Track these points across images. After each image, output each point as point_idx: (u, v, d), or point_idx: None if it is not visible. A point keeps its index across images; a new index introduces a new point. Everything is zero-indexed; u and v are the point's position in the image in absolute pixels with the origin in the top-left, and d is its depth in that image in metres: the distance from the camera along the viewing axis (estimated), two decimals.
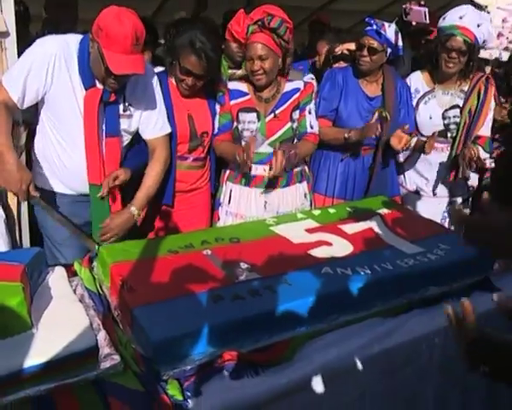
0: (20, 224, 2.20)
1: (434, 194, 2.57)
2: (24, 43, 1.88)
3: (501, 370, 0.65)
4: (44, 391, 1.08)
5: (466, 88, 2.44)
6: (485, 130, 2.47)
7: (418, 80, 2.51)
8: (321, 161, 2.52)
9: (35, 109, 1.88)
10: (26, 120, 2.08)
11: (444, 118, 2.46)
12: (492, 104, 2.48)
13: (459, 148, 2.44)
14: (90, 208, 1.92)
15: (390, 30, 2.31)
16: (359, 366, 1.34)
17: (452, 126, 2.46)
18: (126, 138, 1.97)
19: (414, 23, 2.73)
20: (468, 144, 2.40)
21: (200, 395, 1.13)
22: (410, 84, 2.53)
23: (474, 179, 2.60)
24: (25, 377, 1.08)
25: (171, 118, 2.08)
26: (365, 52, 2.32)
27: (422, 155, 2.49)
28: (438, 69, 2.42)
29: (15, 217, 2.17)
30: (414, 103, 2.51)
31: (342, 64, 2.71)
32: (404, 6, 2.72)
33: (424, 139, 2.45)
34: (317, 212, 2.03)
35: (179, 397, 1.11)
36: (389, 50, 2.35)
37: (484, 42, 2.38)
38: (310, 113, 2.24)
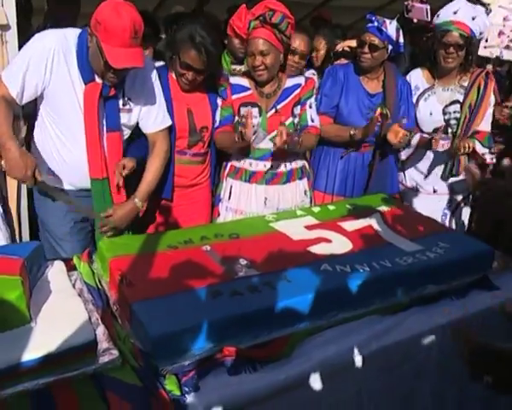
0: (20, 218, 2.21)
1: (434, 191, 2.57)
2: (25, 37, 1.87)
3: (504, 379, 0.65)
4: (43, 385, 1.08)
5: (466, 83, 2.44)
6: (484, 125, 2.47)
7: (418, 77, 2.51)
8: (320, 158, 2.51)
9: (34, 104, 1.87)
10: (26, 113, 2.08)
11: (444, 114, 2.46)
12: (492, 99, 2.48)
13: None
14: (92, 203, 1.91)
15: (391, 27, 2.31)
16: (357, 363, 1.35)
17: (453, 122, 2.46)
18: (126, 133, 1.97)
19: (415, 20, 2.72)
20: (464, 138, 2.40)
21: (198, 390, 1.14)
22: (410, 82, 2.52)
23: None
24: (23, 370, 1.08)
25: (170, 112, 2.08)
26: (366, 49, 2.31)
27: (420, 151, 2.49)
28: (437, 66, 2.43)
29: (15, 211, 2.18)
30: (414, 100, 2.50)
31: (343, 61, 2.70)
32: (406, 3, 2.72)
33: (427, 136, 2.45)
34: (316, 209, 2.03)
35: (177, 392, 1.12)
36: (390, 47, 2.34)
37: (480, 34, 2.39)
38: (310, 107, 2.24)
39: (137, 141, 2.07)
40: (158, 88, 1.99)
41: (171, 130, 2.09)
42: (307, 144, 2.24)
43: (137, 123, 1.99)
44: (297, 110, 2.22)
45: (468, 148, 2.33)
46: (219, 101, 2.21)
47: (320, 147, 2.44)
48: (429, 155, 2.51)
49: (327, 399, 1.32)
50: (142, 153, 2.03)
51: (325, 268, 1.49)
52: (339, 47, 2.81)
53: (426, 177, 2.56)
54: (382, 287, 1.48)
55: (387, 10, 4.10)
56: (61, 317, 1.23)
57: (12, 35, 1.97)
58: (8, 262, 1.29)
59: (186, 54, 2.01)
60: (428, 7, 2.56)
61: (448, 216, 2.58)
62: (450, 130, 2.47)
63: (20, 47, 1.88)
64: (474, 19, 2.31)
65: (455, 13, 2.31)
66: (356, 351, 1.34)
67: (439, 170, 2.54)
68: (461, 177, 2.52)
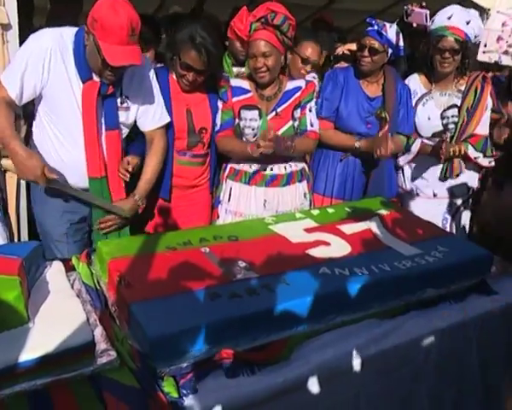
0: (19, 218, 2.20)
1: (434, 195, 2.58)
2: (26, 36, 1.87)
3: None
4: (41, 385, 1.08)
5: (463, 87, 2.46)
6: (480, 128, 2.47)
7: (416, 83, 2.52)
8: (320, 161, 2.52)
9: (33, 103, 1.87)
10: (26, 113, 2.08)
11: (442, 118, 2.47)
12: (489, 103, 2.49)
13: None
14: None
15: (391, 30, 2.31)
16: (355, 366, 1.35)
17: (451, 126, 2.47)
18: (124, 132, 1.97)
19: (415, 25, 2.73)
20: (457, 142, 2.41)
21: (196, 393, 1.14)
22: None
23: (474, 180, 2.60)
24: (21, 371, 1.08)
25: (169, 112, 2.09)
26: (366, 53, 2.32)
27: (420, 156, 2.49)
28: (433, 71, 2.44)
29: (14, 211, 2.17)
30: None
31: (343, 64, 2.71)
32: (405, 7, 2.72)
33: (428, 142, 2.46)
34: (315, 212, 2.03)
35: (175, 395, 1.12)
36: (390, 51, 2.35)
37: (475, 37, 2.41)
38: (310, 111, 2.24)
39: (138, 139, 2.08)
40: (155, 86, 1.99)
41: (168, 127, 2.09)
42: (302, 149, 2.24)
43: (135, 121, 1.99)
44: (297, 113, 2.22)
45: (459, 152, 2.34)
46: (220, 104, 2.22)
47: (319, 150, 2.45)
48: (429, 159, 2.51)
49: (325, 402, 1.32)
50: (142, 151, 2.04)
51: (324, 271, 1.49)
52: (339, 50, 2.82)
53: (426, 181, 2.57)
54: (381, 291, 1.48)
55: (388, 14, 4.10)
56: (59, 317, 1.23)
57: (13, 34, 1.97)
58: (7, 262, 1.29)
59: (186, 54, 2.01)
60: (428, 12, 2.57)
61: (449, 221, 2.58)
62: (448, 134, 2.48)
63: (21, 46, 1.88)
64: (468, 23, 2.33)
65: (449, 18, 2.33)
66: (354, 354, 1.34)
67: (438, 174, 2.54)
68: (460, 180, 2.53)
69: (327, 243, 1.70)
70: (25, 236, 2.23)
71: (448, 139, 2.42)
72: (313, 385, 1.28)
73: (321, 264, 1.53)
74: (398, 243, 1.73)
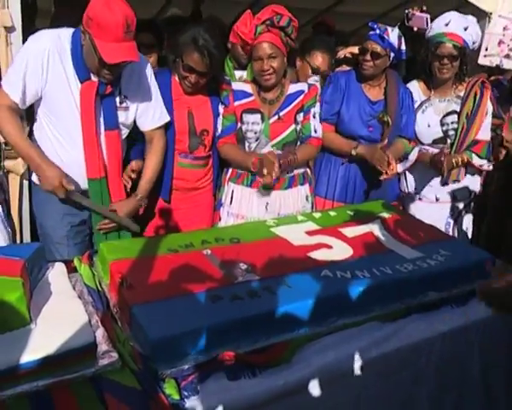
0: (22, 220, 2.21)
1: (437, 199, 2.58)
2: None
3: None
4: (42, 387, 1.08)
5: (462, 93, 2.46)
6: (482, 134, 2.47)
7: (415, 89, 2.52)
8: (322, 165, 2.52)
9: (32, 106, 1.87)
10: (28, 114, 2.09)
11: (442, 125, 2.47)
12: (489, 108, 2.49)
13: (456, 152, 2.45)
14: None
15: (393, 34, 2.32)
16: (357, 369, 1.35)
17: (451, 132, 2.47)
18: (124, 132, 1.97)
19: (415, 29, 2.74)
20: (461, 150, 2.41)
21: (197, 395, 1.14)
22: None
23: (476, 184, 2.60)
24: (23, 372, 1.08)
25: (170, 114, 2.10)
26: (368, 56, 2.32)
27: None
28: (432, 77, 2.45)
29: (17, 213, 2.18)
30: None
31: (345, 67, 2.71)
32: (406, 11, 2.73)
33: (426, 150, 2.46)
34: (317, 214, 2.03)
35: (176, 397, 1.12)
36: (392, 55, 2.35)
37: (473, 43, 2.41)
38: (314, 117, 2.24)
39: (139, 142, 2.09)
40: (154, 85, 2.00)
41: (168, 128, 2.10)
42: (304, 158, 2.26)
43: (135, 121, 1.99)
44: (300, 117, 2.22)
45: (462, 162, 2.35)
46: (221, 108, 2.22)
47: (321, 153, 2.45)
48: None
49: (325, 404, 1.31)
50: (144, 154, 2.05)
51: (325, 274, 1.49)
52: (341, 54, 2.82)
53: (428, 185, 2.57)
54: (382, 294, 1.48)
55: (389, 17, 4.11)
56: (60, 319, 1.23)
57: (17, 37, 1.98)
58: (9, 263, 1.29)
59: (189, 56, 2.02)
60: (428, 16, 2.58)
61: (451, 225, 2.58)
62: (449, 141, 2.48)
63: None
64: (466, 29, 2.34)
65: (447, 24, 2.34)
66: (355, 357, 1.34)
67: (440, 178, 2.54)
68: (462, 184, 2.53)
69: (329, 246, 1.70)
70: (27, 237, 2.24)
71: (448, 149, 2.42)
72: (314, 388, 1.28)
73: (323, 267, 1.53)
74: (400, 247, 1.73)
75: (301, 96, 2.22)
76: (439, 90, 2.48)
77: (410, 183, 2.64)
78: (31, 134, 1.97)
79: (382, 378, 1.42)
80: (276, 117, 2.19)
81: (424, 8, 2.65)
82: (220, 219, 2.30)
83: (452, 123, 2.46)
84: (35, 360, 1.09)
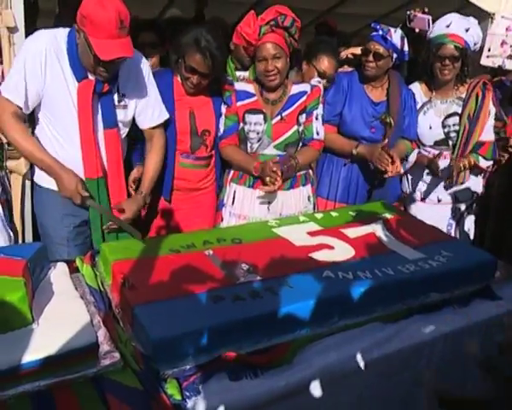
0: (24, 219, 2.21)
1: (439, 200, 2.58)
2: None
3: None
4: (44, 387, 1.08)
5: (463, 95, 2.46)
6: (486, 135, 2.47)
7: (416, 91, 2.52)
8: (324, 166, 2.52)
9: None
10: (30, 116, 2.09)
11: (443, 126, 2.47)
12: (492, 109, 2.49)
13: (460, 154, 2.45)
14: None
15: (396, 35, 2.32)
16: (358, 370, 1.35)
17: (453, 134, 2.47)
18: (123, 131, 1.97)
19: (417, 30, 2.74)
20: (466, 153, 2.41)
21: (199, 395, 1.14)
22: None
23: (478, 185, 2.60)
24: (25, 372, 1.08)
25: (172, 114, 2.10)
26: (371, 57, 2.32)
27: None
28: (433, 79, 2.45)
29: (19, 214, 2.18)
30: None
31: (347, 68, 2.71)
32: (408, 12, 2.73)
33: (426, 154, 2.46)
34: (319, 215, 2.03)
35: (178, 397, 1.12)
36: (395, 56, 2.35)
37: (475, 44, 2.42)
38: (317, 119, 2.24)
39: (140, 145, 2.09)
40: (152, 83, 2.00)
41: (168, 126, 2.10)
42: (306, 162, 2.26)
43: (133, 119, 1.99)
44: (302, 118, 2.22)
45: (469, 164, 2.35)
46: (224, 108, 2.22)
47: (323, 154, 2.44)
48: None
49: (327, 405, 1.31)
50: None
51: (327, 275, 1.49)
52: (343, 54, 2.82)
53: (430, 186, 2.57)
54: (384, 294, 1.48)
55: (391, 18, 4.11)
56: (63, 319, 1.23)
57: (20, 37, 1.98)
58: (12, 263, 1.30)
59: (191, 57, 2.02)
60: (430, 17, 2.58)
61: (453, 226, 2.58)
62: (450, 142, 2.48)
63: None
64: (467, 30, 2.34)
65: (448, 26, 2.34)
66: (357, 358, 1.34)
67: (442, 180, 2.54)
68: (464, 185, 2.53)
69: (330, 247, 1.69)
70: (29, 237, 2.24)
71: (451, 153, 2.42)
72: (316, 389, 1.28)
73: (324, 267, 1.53)
74: (402, 247, 1.73)
75: (304, 97, 2.22)
76: (441, 92, 2.48)
77: (411, 184, 2.64)
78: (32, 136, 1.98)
79: (384, 379, 1.42)
80: (279, 117, 2.19)
81: (426, 9, 2.65)
82: (222, 220, 2.30)
83: (454, 125, 2.46)
84: (37, 360, 1.10)
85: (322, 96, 2.26)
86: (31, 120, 2.08)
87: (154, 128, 2.04)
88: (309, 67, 2.44)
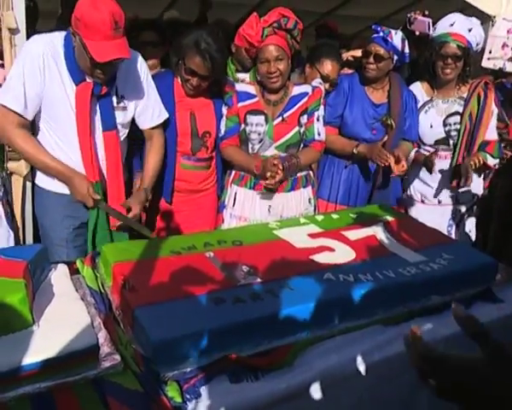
0: (24, 221, 2.21)
1: (439, 202, 2.58)
2: None
3: (445, 386, 0.64)
4: (44, 389, 1.08)
5: (465, 95, 2.47)
6: (490, 135, 2.48)
7: (418, 91, 2.53)
8: (325, 167, 2.52)
9: None
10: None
11: (444, 125, 2.47)
12: (494, 109, 2.49)
13: (460, 154, 2.45)
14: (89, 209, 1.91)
15: (397, 37, 2.32)
16: (359, 373, 1.34)
17: (453, 133, 2.47)
18: (122, 133, 1.97)
19: (417, 32, 2.75)
20: (473, 152, 2.41)
21: (200, 398, 1.13)
22: None
23: (478, 187, 2.60)
24: (25, 374, 1.08)
25: (172, 115, 2.10)
26: (372, 59, 2.33)
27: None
28: (435, 78, 2.45)
29: (19, 215, 2.18)
30: None
31: (347, 70, 2.72)
32: (408, 15, 2.74)
33: (424, 153, 2.46)
34: (320, 217, 2.03)
35: (178, 399, 1.11)
36: (396, 58, 2.35)
37: (477, 45, 2.43)
38: (318, 120, 2.25)
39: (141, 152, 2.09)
40: (151, 83, 2.00)
41: (167, 127, 2.11)
42: (307, 162, 2.26)
43: (133, 120, 2.00)
44: (303, 119, 2.22)
45: (479, 162, 2.35)
46: (225, 109, 2.22)
47: (324, 156, 2.45)
48: (434, 167, 2.51)
49: (328, 408, 1.31)
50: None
51: (328, 277, 1.49)
52: (343, 57, 2.83)
53: (431, 188, 2.57)
54: (385, 297, 1.47)
55: (391, 21, 4.12)
56: (63, 321, 1.23)
57: (21, 38, 1.99)
58: (12, 265, 1.29)
59: (191, 60, 2.02)
60: (430, 20, 2.59)
61: (454, 228, 2.58)
62: (451, 141, 2.48)
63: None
64: (470, 30, 2.35)
65: (451, 25, 2.36)
66: (358, 361, 1.34)
67: (443, 181, 2.54)
68: (466, 187, 2.53)
69: (331, 249, 1.69)
70: (29, 238, 2.24)
71: (439, 151, 2.43)
72: (316, 391, 1.27)
73: (325, 270, 1.53)
74: (403, 250, 1.72)
75: (305, 99, 2.22)
76: (442, 91, 2.48)
77: (412, 186, 2.64)
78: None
79: (385, 382, 1.42)
80: (280, 119, 2.19)
81: (426, 12, 2.66)
82: (223, 222, 2.30)
83: (455, 124, 2.46)
84: (37, 362, 1.09)
85: (323, 97, 2.27)
86: (31, 128, 2.09)
87: (153, 128, 2.04)
88: (312, 70, 2.45)
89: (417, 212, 2.59)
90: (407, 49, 2.40)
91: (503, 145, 2.78)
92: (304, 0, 3.68)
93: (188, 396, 1.12)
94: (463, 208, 2.59)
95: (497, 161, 2.49)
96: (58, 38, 1.78)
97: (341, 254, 1.66)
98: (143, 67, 1.96)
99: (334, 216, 2.04)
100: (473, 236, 2.64)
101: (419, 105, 2.51)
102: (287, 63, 2.11)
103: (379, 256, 1.67)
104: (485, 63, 2.88)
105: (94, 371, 1.13)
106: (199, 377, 1.16)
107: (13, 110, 1.74)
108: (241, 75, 2.50)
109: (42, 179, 1.93)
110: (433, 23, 2.58)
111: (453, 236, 2.55)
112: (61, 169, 1.82)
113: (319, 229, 1.87)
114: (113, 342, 1.23)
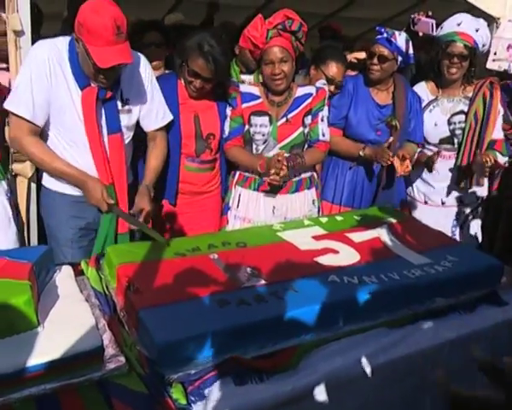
0: (29, 222, 2.22)
1: (443, 203, 2.57)
2: (34, 43, 1.88)
3: None
4: (49, 390, 1.08)
5: (470, 94, 2.46)
6: (497, 133, 2.47)
7: (422, 90, 2.52)
8: (329, 169, 2.52)
9: None
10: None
11: (449, 124, 2.47)
12: (501, 109, 2.48)
13: (465, 153, 2.44)
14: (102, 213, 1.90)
15: (401, 38, 2.32)
16: (364, 375, 1.34)
17: (458, 132, 2.47)
18: (127, 136, 1.97)
19: (421, 34, 2.74)
20: (482, 151, 2.40)
21: (204, 400, 1.13)
22: None
23: (483, 189, 2.59)
24: (30, 375, 1.08)
25: (176, 117, 2.10)
26: (375, 60, 2.33)
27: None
28: (441, 77, 2.45)
29: (24, 216, 2.19)
30: None
31: (350, 72, 2.71)
32: (412, 16, 2.74)
33: (427, 153, 2.46)
34: (324, 219, 2.03)
35: (183, 401, 1.11)
36: (400, 59, 2.35)
37: (483, 46, 2.43)
38: (322, 120, 2.24)
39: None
40: (155, 85, 2.00)
41: (171, 129, 2.10)
42: (312, 162, 2.26)
43: (137, 123, 1.99)
44: (307, 120, 2.22)
45: (490, 160, 2.34)
46: (229, 110, 2.22)
47: (329, 157, 2.45)
48: (437, 168, 2.50)
49: None
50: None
51: (333, 279, 1.48)
52: (347, 58, 2.83)
53: (435, 189, 2.56)
54: (390, 299, 1.47)
55: (395, 22, 4.11)
56: (68, 322, 1.24)
57: (26, 41, 1.99)
58: (17, 266, 1.30)
59: (194, 62, 2.02)
60: (434, 21, 2.59)
61: (458, 229, 2.57)
62: (456, 140, 2.48)
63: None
64: (477, 31, 2.35)
65: (459, 24, 2.35)
66: (362, 364, 1.33)
67: (446, 182, 2.54)
68: (478, 187, 2.52)
69: (335, 251, 1.69)
70: (34, 240, 2.25)
71: (442, 150, 2.42)
72: (321, 394, 1.27)
73: (329, 272, 1.52)
74: (408, 252, 1.72)
75: (309, 99, 2.22)
76: (448, 90, 2.48)
77: (416, 187, 2.63)
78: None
79: (389, 384, 1.41)
80: (284, 119, 2.20)
81: (430, 13, 2.66)
82: (227, 223, 2.30)
83: (460, 122, 2.45)
84: (42, 364, 1.10)
85: (327, 97, 2.26)
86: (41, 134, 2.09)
87: (157, 130, 2.04)
88: (317, 72, 2.44)
89: (421, 213, 2.58)
90: (411, 51, 2.39)
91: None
92: (307, 2, 3.68)
93: (192, 398, 1.12)
94: (467, 210, 2.58)
95: (507, 159, 2.47)
96: (62, 42, 1.78)
97: (345, 256, 1.66)
98: (148, 70, 1.96)
99: (339, 218, 2.04)
100: (480, 237, 2.63)
101: (424, 104, 2.50)
102: (291, 65, 2.11)
103: (383, 258, 1.67)
104: (489, 65, 2.87)
105: (99, 373, 1.14)
106: (203, 380, 1.16)
107: (23, 117, 1.74)
108: (245, 77, 2.51)
109: (48, 180, 1.94)
110: (437, 24, 2.58)
111: (457, 237, 2.54)
112: (75, 174, 1.82)
113: (323, 231, 1.87)
114: (118, 344, 1.23)
